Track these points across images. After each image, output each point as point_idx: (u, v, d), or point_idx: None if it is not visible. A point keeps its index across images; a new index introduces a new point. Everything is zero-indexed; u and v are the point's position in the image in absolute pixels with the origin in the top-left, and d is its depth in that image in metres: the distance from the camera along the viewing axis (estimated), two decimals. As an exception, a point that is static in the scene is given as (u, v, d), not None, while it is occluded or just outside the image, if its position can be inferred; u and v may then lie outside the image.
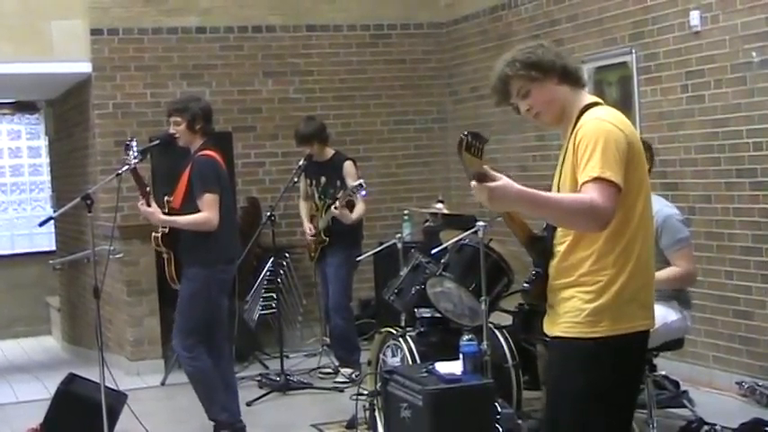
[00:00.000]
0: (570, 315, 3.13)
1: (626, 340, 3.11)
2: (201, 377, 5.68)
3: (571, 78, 3.24)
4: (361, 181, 6.84)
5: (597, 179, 2.96)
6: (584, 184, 2.99)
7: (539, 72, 3.17)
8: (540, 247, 3.24)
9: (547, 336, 3.30)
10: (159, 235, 5.65)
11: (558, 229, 3.20)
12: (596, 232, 3.04)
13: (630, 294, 3.10)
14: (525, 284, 3.29)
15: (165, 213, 5.61)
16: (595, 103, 3.25)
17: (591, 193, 2.95)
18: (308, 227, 7.42)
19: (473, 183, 2.89)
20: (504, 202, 2.94)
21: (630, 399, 3.25)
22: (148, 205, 5.53)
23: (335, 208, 6.94)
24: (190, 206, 5.56)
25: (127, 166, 5.48)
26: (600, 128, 3.06)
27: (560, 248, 3.18)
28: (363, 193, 6.86)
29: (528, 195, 2.93)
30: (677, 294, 5.05)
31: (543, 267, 3.23)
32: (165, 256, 5.72)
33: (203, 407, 5.74)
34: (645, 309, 3.17)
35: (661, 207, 4.97)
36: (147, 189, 5.56)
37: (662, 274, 4.71)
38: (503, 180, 2.89)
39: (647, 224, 3.19)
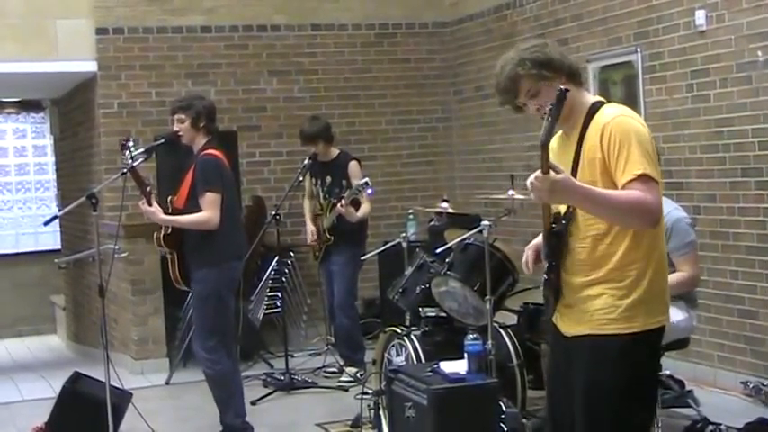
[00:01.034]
0: (603, 312, 3.13)
1: (655, 335, 3.17)
2: (222, 380, 5.66)
3: (576, 77, 3.25)
4: (367, 179, 6.83)
5: (642, 176, 3.01)
6: (629, 182, 3.02)
7: (549, 71, 3.17)
8: (555, 241, 3.24)
9: (557, 336, 3.30)
10: (161, 235, 5.64)
11: (578, 227, 3.18)
12: (649, 228, 3.09)
13: (658, 289, 3.16)
14: (545, 276, 3.28)
15: (167, 213, 5.60)
16: (601, 102, 3.26)
17: (641, 191, 3.00)
18: (311, 230, 7.41)
19: (537, 173, 2.91)
20: (564, 196, 2.99)
21: (657, 392, 3.33)
22: (149, 205, 5.52)
23: (341, 206, 6.93)
24: (193, 206, 5.54)
25: (127, 168, 5.45)
26: (630, 126, 3.10)
27: (581, 245, 3.17)
28: (369, 191, 6.85)
29: (585, 191, 3.00)
30: (684, 294, 5.06)
31: (556, 261, 3.23)
32: (168, 256, 5.70)
33: (219, 409, 5.71)
34: (665, 304, 3.22)
35: (671, 209, 4.98)
36: (149, 189, 5.54)
37: (670, 279, 4.72)
38: (564, 174, 2.94)
39: (662, 221, 3.23)
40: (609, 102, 3.30)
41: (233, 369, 5.71)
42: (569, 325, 3.24)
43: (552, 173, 2.90)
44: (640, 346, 3.13)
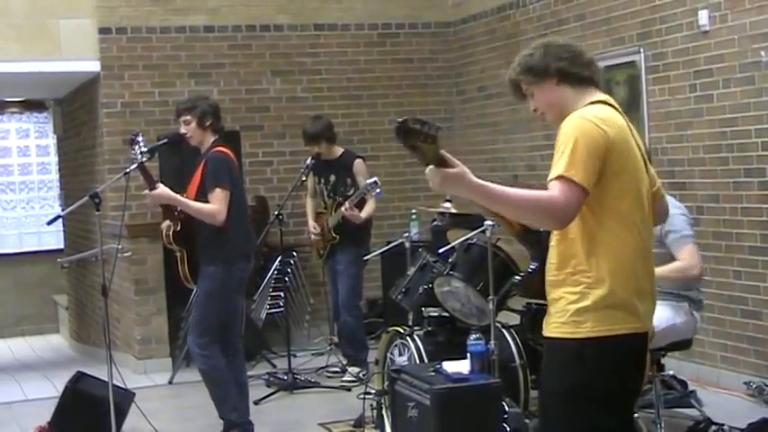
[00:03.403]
0: (557, 316, 3.11)
1: (611, 342, 3.04)
2: (215, 375, 5.67)
3: (572, 78, 3.19)
4: (376, 179, 6.82)
5: (561, 177, 2.95)
6: (549, 181, 2.98)
7: (533, 76, 3.20)
8: (533, 238, 3.24)
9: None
10: (171, 232, 5.64)
11: None
12: (555, 229, 3.06)
13: (618, 300, 3.03)
14: (517, 278, 3.29)
15: (176, 213, 5.60)
16: (596, 102, 3.17)
17: (552, 191, 2.95)
18: (312, 225, 7.42)
19: (430, 166, 2.86)
20: (457, 190, 2.92)
21: (624, 402, 3.19)
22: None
23: (345, 208, 6.93)
24: (202, 203, 5.55)
25: (135, 163, 5.46)
26: (576, 126, 3.02)
27: (553, 242, 3.15)
28: (378, 191, 6.85)
29: (481, 188, 2.91)
30: (688, 295, 5.07)
31: (540, 261, 3.21)
32: (177, 254, 5.70)
33: (215, 405, 5.74)
34: (635, 315, 3.08)
35: (669, 206, 4.96)
36: (156, 182, 5.55)
37: (664, 267, 4.74)
38: (459, 168, 2.88)
39: (638, 230, 3.09)
40: (607, 101, 3.21)
41: (228, 366, 5.70)
42: (544, 327, 3.24)
43: (446, 167, 2.85)
44: (590, 352, 3.03)
